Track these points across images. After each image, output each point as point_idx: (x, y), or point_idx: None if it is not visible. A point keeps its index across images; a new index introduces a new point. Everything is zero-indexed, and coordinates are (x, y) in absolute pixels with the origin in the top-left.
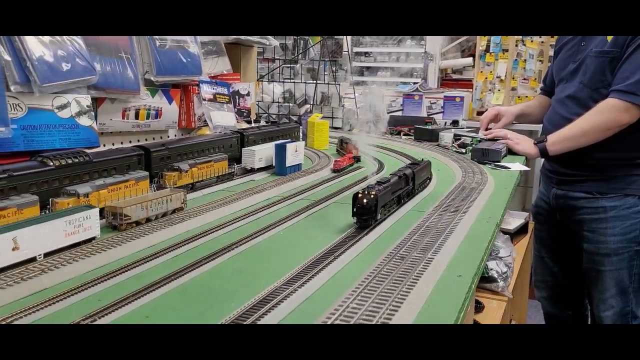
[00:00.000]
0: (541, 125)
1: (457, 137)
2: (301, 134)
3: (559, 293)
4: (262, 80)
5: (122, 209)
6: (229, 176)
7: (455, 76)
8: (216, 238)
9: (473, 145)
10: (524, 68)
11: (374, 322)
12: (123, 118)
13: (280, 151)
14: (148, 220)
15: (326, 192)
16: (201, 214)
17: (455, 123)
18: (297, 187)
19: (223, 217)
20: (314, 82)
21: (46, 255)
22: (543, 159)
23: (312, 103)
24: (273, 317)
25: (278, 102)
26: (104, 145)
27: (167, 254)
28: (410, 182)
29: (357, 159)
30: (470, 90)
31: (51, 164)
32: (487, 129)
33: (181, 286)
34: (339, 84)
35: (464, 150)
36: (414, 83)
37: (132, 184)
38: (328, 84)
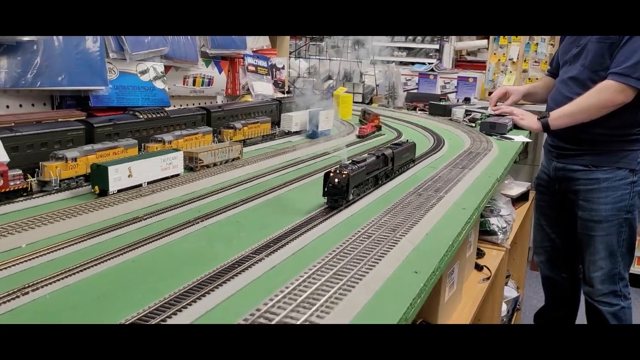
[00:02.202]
0: (545, 105)
1: (468, 113)
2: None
3: (555, 257)
4: (290, 56)
5: (197, 154)
6: (272, 136)
7: (469, 58)
8: (263, 183)
9: (482, 119)
10: (536, 51)
11: (323, 300)
12: (183, 84)
13: (314, 117)
14: (214, 164)
15: (350, 153)
16: (253, 163)
17: (467, 100)
18: (327, 148)
19: (269, 167)
20: (338, 59)
21: (148, 183)
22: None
23: (335, 79)
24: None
25: (303, 77)
26: (174, 106)
27: (231, 190)
28: (389, 162)
29: (379, 128)
30: (483, 71)
31: (141, 116)
32: (495, 107)
33: (238, 214)
34: (361, 62)
35: (473, 124)
36: (429, 63)
37: (200, 137)
38: (350, 61)
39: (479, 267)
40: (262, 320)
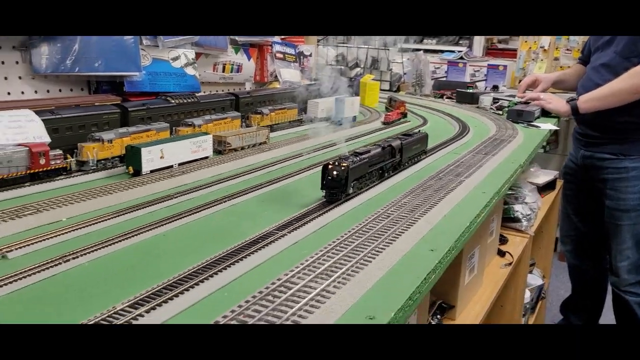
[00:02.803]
0: (575, 93)
1: (495, 100)
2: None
3: (582, 246)
4: (317, 44)
5: (226, 137)
6: (298, 122)
7: (500, 45)
8: (288, 166)
9: (509, 107)
10: (568, 39)
11: (339, 272)
12: (213, 70)
13: (340, 104)
14: (242, 148)
15: (375, 138)
16: (279, 147)
17: (495, 88)
18: (354, 133)
19: (295, 151)
20: (366, 47)
21: (179, 164)
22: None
23: (362, 66)
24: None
25: (331, 64)
26: (204, 92)
27: (257, 172)
28: (397, 154)
29: (404, 115)
30: (514, 59)
31: (173, 101)
32: (523, 94)
33: (263, 194)
34: (388, 50)
35: (500, 112)
36: (459, 51)
37: (228, 121)
38: (378, 49)
39: (501, 253)
40: (282, 289)
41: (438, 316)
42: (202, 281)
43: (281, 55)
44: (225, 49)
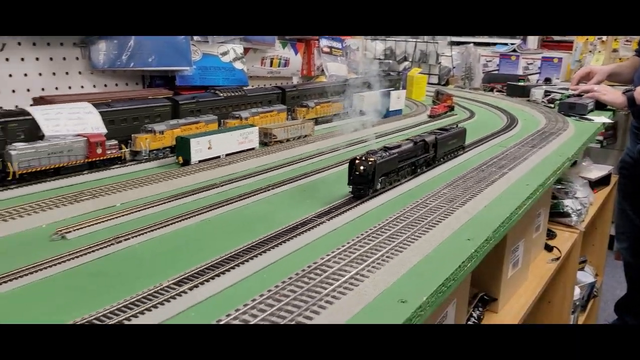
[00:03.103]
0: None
1: (547, 93)
2: (401, 87)
3: (638, 243)
4: (365, 39)
5: (271, 130)
6: (344, 115)
7: (557, 37)
8: (331, 157)
9: (561, 100)
10: None
11: (375, 257)
12: (261, 65)
13: (385, 97)
14: (287, 140)
15: (420, 131)
16: (324, 139)
17: (547, 81)
18: (398, 127)
19: (339, 143)
20: (415, 40)
21: (226, 155)
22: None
23: (411, 60)
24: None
25: (379, 58)
26: (252, 86)
27: (301, 162)
28: (430, 149)
29: (451, 108)
30: (570, 52)
31: (221, 95)
32: (575, 86)
33: (306, 184)
34: (437, 43)
35: (552, 105)
36: (512, 44)
37: (274, 114)
38: (427, 42)
39: (549, 248)
40: (317, 272)
41: (480, 308)
42: (242, 263)
43: (328, 50)
44: (273, 44)
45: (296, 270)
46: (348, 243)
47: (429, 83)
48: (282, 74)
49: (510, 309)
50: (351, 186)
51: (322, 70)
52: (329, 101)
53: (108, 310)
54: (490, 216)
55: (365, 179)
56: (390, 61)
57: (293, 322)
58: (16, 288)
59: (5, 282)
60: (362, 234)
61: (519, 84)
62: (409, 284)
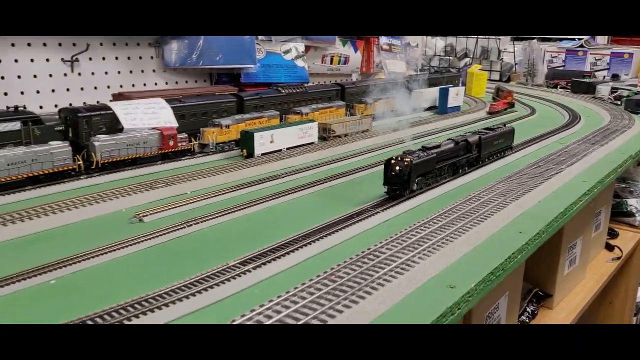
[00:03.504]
0: None
1: (614, 90)
2: (460, 83)
3: None
4: (425, 35)
5: (330, 125)
6: (402, 112)
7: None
8: (389, 152)
9: (629, 97)
10: None
11: (425, 245)
12: (322, 62)
13: (443, 94)
14: (345, 135)
15: (480, 126)
16: (381, 135)
17: (615, 77)
18: (456, 123)
19: (396, 139)
20: (475, 36)
21: (287, 148)
22: None
23: (471, 56)
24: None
25: (439, 55)
26: (312, 83)
27: (358, 157)
28: (473, 149)
29: (512, 105)
30: None
31: (283, 91)
32: None
33: (361, 177)
34: (499, 39)
35: (619, 102)
36: (579, 39)
37: (334, 110)
38: (488, 38)
39: (610, 247)
40: (371, 256)
41: (534, 304)
42: (301, 247)
43: (387, 47)
44: (333, 42)
45: (351, 254)
46: (400, 232)
47: (489, 80)
48: (341, 71)
49: (566, 306)
50: (386, 186)
51: (381, 67)
52: (387, 98)
53: (177, 286)
54: (544, 211)
55: (401, 180)
56: (451, 58)
57: (347, 301)
58: (105, 262)
59: (94, 257)
60: (414, 224)
61: (584, 80)
62: (459, 271)
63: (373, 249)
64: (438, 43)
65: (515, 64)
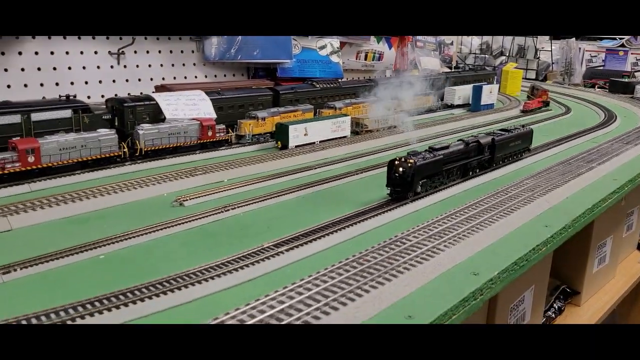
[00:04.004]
0: None
1: None
2: (495, 81)
3: None
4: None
5: (363, 120)
6: (434, 108)
7: None
8: (419, 146)
9: None
10: None
11: (451, 235)
12: (356, 59)
13: (477, 91)
14: (377, 130)
15: (513, 124)
16: (412, 131)
17: None
18: (488, 121)
19: (427, 134)
20: (512, 35)
21: (320, 141)
22: None
23: (507, 55)
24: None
25: (475, 53)
26: (346, 78)
27: (388, 151)
28: (486, 151)
29: (546, 104)
30: None
31: (317, 86)
32: None
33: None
34: (536, 37)
35: None
36: (620, 38)
37: (366, 105)
38: (525, 36)
39: None
40: (397, 243)
41: (561, 300)
42: (331, 233)
43: (422, 44)
44: (368, 39)
45: (379, 241)
46: (427, 222)
47: (525, 78)
48: (375, 68)
49: (594, 304)
50: (389, 188)
51: (415, 64)
52: (420, 94)
53: (215, 264)
54: (571, 207)
55: (404, 182)
56: (486, 56)
57: (374, 282)
58: (149, 240)
59: (139, 235)
60: (442, 215)
61: (623, 80)
62: (483, 260)
63: (400, 236)
64: (473, 41)
65: (553, 62)
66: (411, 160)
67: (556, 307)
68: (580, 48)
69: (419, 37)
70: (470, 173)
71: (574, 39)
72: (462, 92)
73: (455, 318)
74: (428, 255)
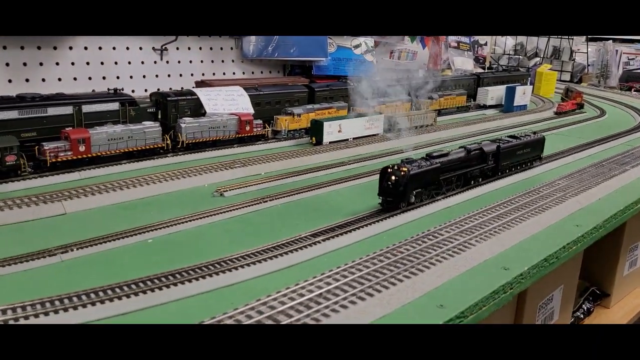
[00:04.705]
0: None
1: None
2: (528, 82)
3: None
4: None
5: (395, 118)
6: (466, 108)
7: None
8: (451, 145)
9: None
10: None
11: (482, 230)
12: (390, 57)
13: (510, 92)
14: (409, 128)
15: (546, 126)
16: (444, 130)
17: None
18: (521, 121)
19: (460, 134)
20: (547, 35)
21: (353, 138)
22: None
23: (542, 56)
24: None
25: (508, 54)
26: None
27: (421, 149)
28: (489, 159)
29: (580, 106)
30: None
31: (351, 84)
32: None
33: None
34: (572, 39)
35: None
36: None
37: (400, 104)
38: (560, 38)
39: None
40: (430, 237)
41: (590, 302)
42: (366, 225)
43: (455, 44)
44: (402, 38)
45: (412, 234)
46: (460, 217)
47: (559, 80)
48: (409, 67)
49: (623, 306)
50: (381, 197)
51: (448, 64)
52: (452, 94)
53: (254, 251)
54: (603, 208)
55: (396, 191)
56: (520, 57)
57: (408, 272)
58: (193, 227)
59: (187, 221)
60: (473, 212)
61: None
62: (513, 255)
63: (432, 230)
64: (508, 41)
65: (588, 64)
66: (404, 169)
67: (585, 308)
68: (617, 50)
69: (452, 37)
70: (472, 182)
71: (610, 41)
72: (495, 93)
73: (485, 309)
74: (459, 249)
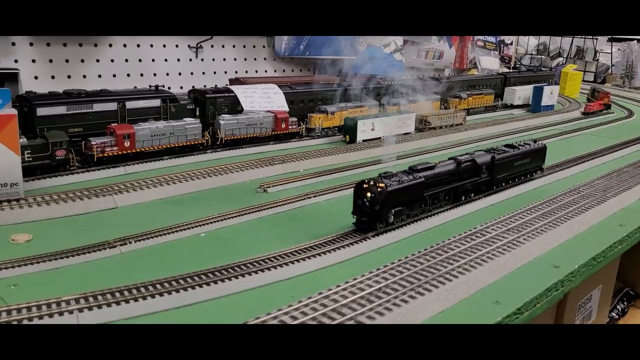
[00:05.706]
0: None
1: None
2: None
3: None
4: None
5: (427, 117)
6: (493, 108)
7: None
8: (481, 145)
9: None
10: None
11: (526, 231)
12: (417, 56)
13: (538, 92)
14: (440, 127)
15: (575, 126)
16: (474, 129)
17: None
18: (550, 121)
19: (489, 133)
20: (571, 35)
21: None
22: None
23: (565, 56)
24: None
25: (531, 54)
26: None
27: (452, 148)
28: (483, 172)
29: (607, 106)
30: None
31: (383, 83)
32: None
33: None
34: (596, 39)
35: None
36: None
37: (429, 103)
38: (585, 37)
39: None
40: (478, 235)
41: (625, 302)
42: (411, 223)
43: (482, 44)
44: (429, 37)
45: (459, 232)
46: (505, 215)
47: (583, 80)
48: (435, 66)
49: None
50: (355, 217)
51: (475, 63)
52: (481, 93)
53: (298, 248)
54: None
55: (371, 209)
56: (543, 57)
57: (461, 268)
58: (242, 222)
59: (235, 216)
60: (516, 211)
61: None
62: (561, 254)
63: (479, 228)
64: (530, 41)
65: (612, 65)
66: (381, 184)
67: (619, 308)
68: None
69: (478, 37)
70: (463, 198)
71: (635, 41)
72: (522, 93)
73: (539, 307)
74: (508, 247)
